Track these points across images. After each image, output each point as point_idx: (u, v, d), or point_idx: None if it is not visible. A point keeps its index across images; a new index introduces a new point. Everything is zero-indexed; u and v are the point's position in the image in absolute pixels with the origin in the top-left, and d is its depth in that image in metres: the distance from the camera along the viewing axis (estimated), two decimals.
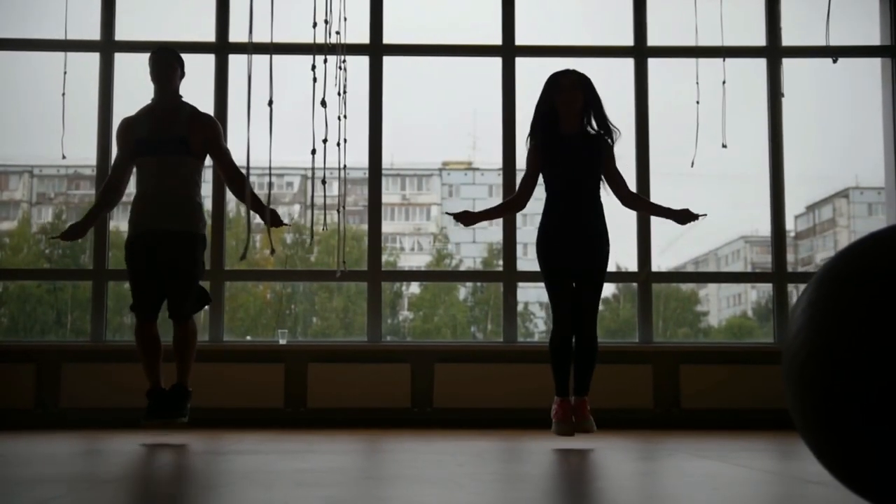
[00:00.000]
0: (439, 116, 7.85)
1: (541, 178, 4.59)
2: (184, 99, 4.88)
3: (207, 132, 4.77)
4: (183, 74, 4.88)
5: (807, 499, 2.55)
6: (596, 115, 4.53)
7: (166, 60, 4.80)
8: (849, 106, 7.50)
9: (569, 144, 4.50)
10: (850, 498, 2.49)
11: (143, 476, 3.23)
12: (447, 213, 4.53)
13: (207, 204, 6.60)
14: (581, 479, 3.20)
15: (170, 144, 4.69)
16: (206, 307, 5.01)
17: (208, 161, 4.90)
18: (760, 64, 6.81)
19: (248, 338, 7.62)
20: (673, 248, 6.98)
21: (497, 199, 10.83)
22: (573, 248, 4.44)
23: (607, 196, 4.58)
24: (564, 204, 4.47)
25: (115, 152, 4.99)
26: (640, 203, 4.79)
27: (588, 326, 4.46)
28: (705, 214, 4.50)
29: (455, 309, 9.73)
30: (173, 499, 2.62)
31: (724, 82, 5.47)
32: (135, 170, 4.84)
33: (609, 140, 4.54)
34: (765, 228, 12.01)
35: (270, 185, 3.91)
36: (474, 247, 10.43)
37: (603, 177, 4.56)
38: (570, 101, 4.47)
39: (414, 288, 9.59)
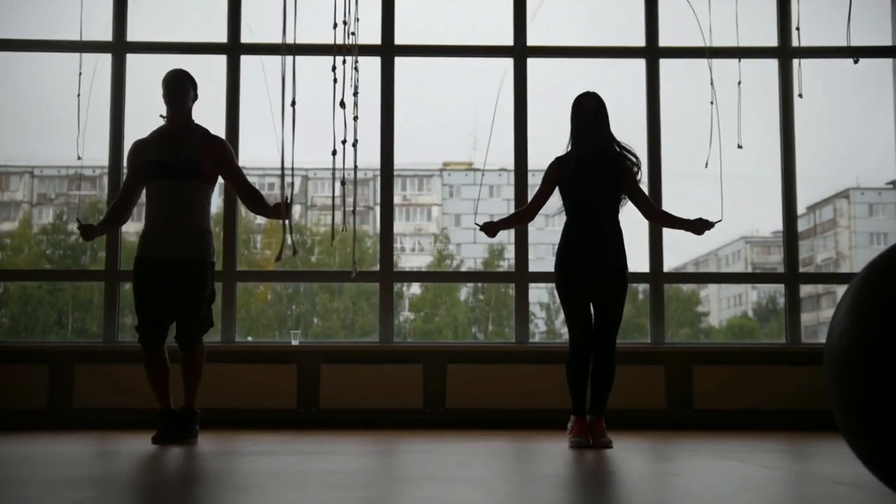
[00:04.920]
0: (440, 117, 7.84)
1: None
2: (196, 121, 4.84)
3: (219, 154, 4.74)
4: (195, 97, 4.84)
5: (843, 500, 2.56)
6: (604, 138, 4.59)
7: (179, 82, 4.75)
8: (851, 107, 7.52)
9: (588, 166, 4.55)
10: (888, 498, 2.49)
11: (171, 478, 3.23)
12: (476, 223, 4.59)
13: (216, 204, 6.59)
14: (612, 480, 3.20)
15: (180, 168, 4.65)
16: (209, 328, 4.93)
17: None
18: (767, 64, 6.83)
19: (250, 338, 7.61)
20: (674, 249, 6.97)
21: (498, 200, 10.87)
22: (591, 267, 4.47)
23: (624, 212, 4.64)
24: (583, 226, 4.53)
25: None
26: (661, 218, 4.81)
27: (607, 352, 4.48)
28: (720, 220, 4.55)
29: (456, 309, 9.74)
30: (209, 500, 2.62)
31: (739, 83, 5.48)
32: (145, 191, 4.81)
33: (632, 163, 4.59)
34: (765, 229, 12.04)
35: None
36: (475, 247, 10.44)
37: (627, 197, 4.62)
38: (590, 122, 4.54)
39: (415, 289, 9.59)
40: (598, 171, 4.54)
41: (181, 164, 4.65)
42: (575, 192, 4.56)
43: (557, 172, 4.62)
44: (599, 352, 4.48)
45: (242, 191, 4.78)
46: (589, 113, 4.57)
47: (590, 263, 4.48)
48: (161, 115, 4.82)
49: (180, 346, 4.66)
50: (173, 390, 4.76)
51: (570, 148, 4.67)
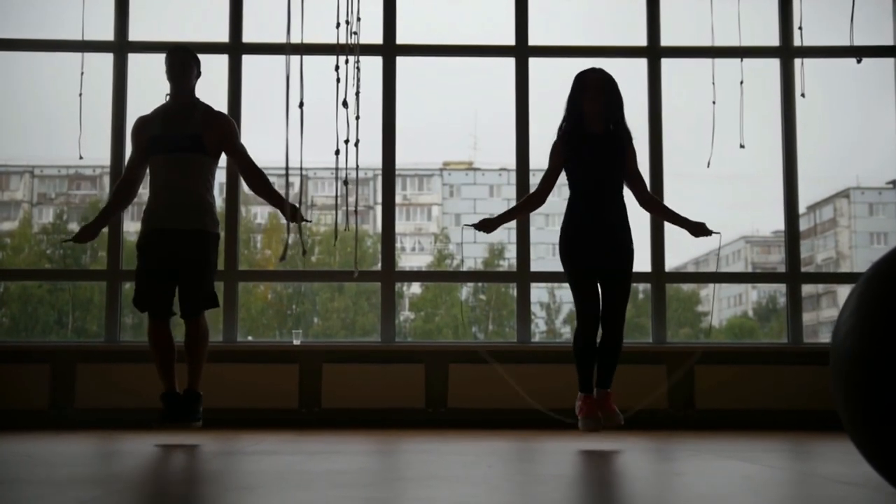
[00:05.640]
0: (440, 116, 7.85)
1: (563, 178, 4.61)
2: (199, 98, 4.86)
3: (222, 130, 4.76)
4: (199, 74, 4.87)
5: (847, 500, 2.56)
6: (613, 116, 4.54)
7: (182, 59, 4.78)
8: (851, 106, 7.52)
9: (593, 143, 4.51)
10: (893, 499, 2.49)
11: (175, 477, 3.23)
12: (466, 224, 4.55)
13: (218, 205, 6.60)
14: (617, 480, 3.20)
15: (183, 142, 4.67)
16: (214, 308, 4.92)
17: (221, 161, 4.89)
18: (769, 64, 6.83)
19: (250, 338, 7.62)
20: (674, 249, 6.99)
21: (498, 200, 10.88)
22: (596, 248, 4.45)
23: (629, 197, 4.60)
24: (587, 203, 4.48)
25: (128, 152, 4.98)
26: (658, 207, 4.75)
27: (615, 326, 4.46)
28: (719, 233, 4.53)
29: (457, 309, 9.74)
30: (214, 500, 2.62)
31: (741, 82, 5.49)
32: (149, 168, 4.82)
33: (630, 142, 4.56)
34: (765, 228, 12.06)
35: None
36: (475, 247, 10.45)
37: (624, 179, 4.58)
38: (594, 99, 4.48)
39: (415, 288, 9.60)
40: (602, 151, 4.50)
41: (184, 137, 4.66)
42: (579, 170, 4.51)
43: (561, 155, 4.56)
44: (607, 324, 4.46)
45: (246, 170, 4.78)
46: (593, 91, 4.50)
47: (595, 263, 4.46)
48: (167, 95, 4.83)
49: (184, 315, 4.66)
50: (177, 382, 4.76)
51: (562, 124, 4.60)
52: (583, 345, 4.47)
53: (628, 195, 4.62)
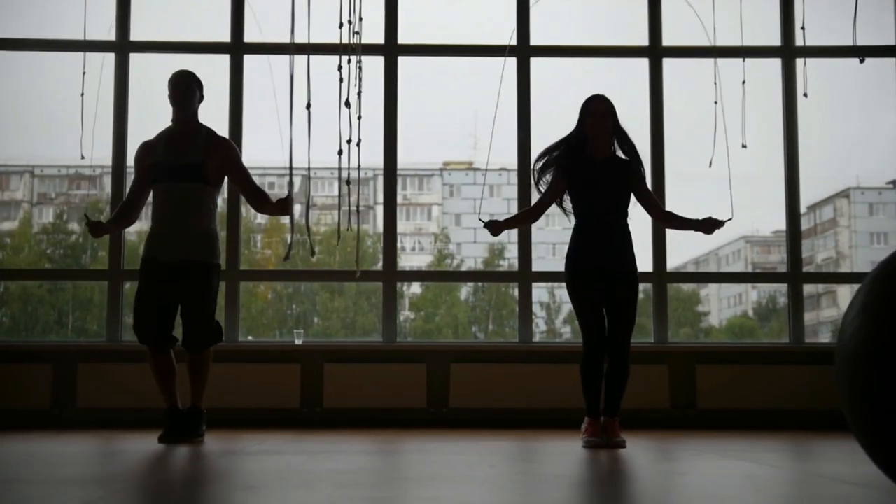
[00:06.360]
0: (440, 116, 7.84)
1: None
2: (202, 122, 4.83)
3: (224, 156, 4.73)
4: (202, 97, 4.83)
5: (853, 500, 2.56)
6: (622, 141, 4.58)
7: (184, 83, 4.74)
8: (852, 106, 7.52)
9: (599, 170, 4.53)
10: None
11: (178, 477, 3.23)
12: (480, 218, 4.58)
13: (219, 204, 6.60)
14: (619, 479, 3.20)
15: (185, 171, 4.64)
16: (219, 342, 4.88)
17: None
18: (770, 64, 6.83)
19: (250, 337, 7.62)
20: (674, 249, 6.98)
21: (498, 199, 10.87)
22: (598, 253, 4.46)
23: (633, 209, 4.62)
24: (593, 228, 4.50)
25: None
26: (672, 220, 4.75)
27: (621, 348, 4.43)
28: (730, 218, 4.54)
29: (457, 309, 9.74)
30: (218, 500, 2.62)
31: (743, 82, 5.49)
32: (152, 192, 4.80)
33: (640, 167, 4.58)
34: (765, 228, 12.04)
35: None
36: (475, 247, 10.44)
37: (636, 199, 4.60)
38: (600, 126, 4.51)
39: (415, 288, 9.59)
40: (606, 177, 4.52)
41: (186, 167, 4.64)
42: (583, 197, 4.53)
43: (564, 180, 4.59)
44: (613, 353, 4.43)
45: (250, 194, 4.78)
46: (598, 117, 4.52)
47: (599, 264, 4.45)
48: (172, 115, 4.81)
49: (188, 349, 4.65)
50: (180, 390, 4.75)
51: (561, 145, 4.63)
52: (589, 371, 4.45)
53: (636, 215, 4.64)
